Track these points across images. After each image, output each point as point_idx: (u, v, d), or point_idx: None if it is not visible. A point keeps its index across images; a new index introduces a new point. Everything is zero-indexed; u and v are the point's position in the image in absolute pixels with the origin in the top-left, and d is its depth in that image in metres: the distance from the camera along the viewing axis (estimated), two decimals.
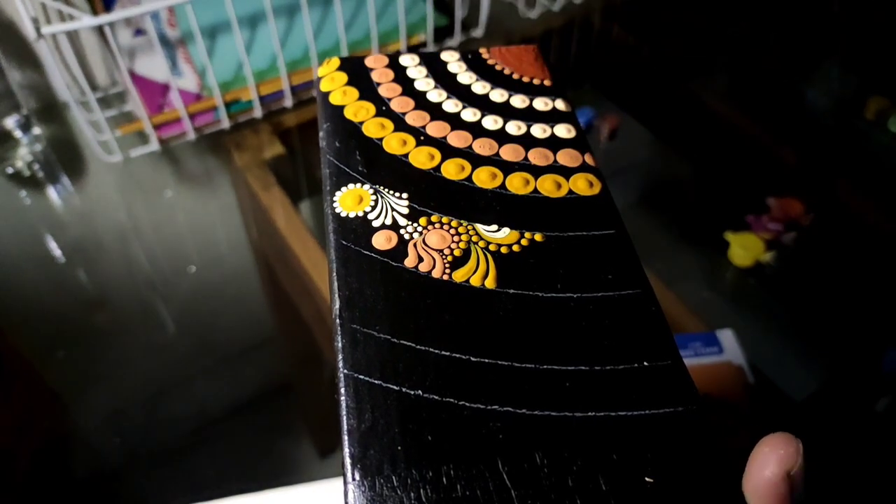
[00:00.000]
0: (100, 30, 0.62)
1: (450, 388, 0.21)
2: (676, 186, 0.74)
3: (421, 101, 0.32)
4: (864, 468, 0.43)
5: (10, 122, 0.69)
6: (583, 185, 0.28)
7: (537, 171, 0.28)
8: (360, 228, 0.26)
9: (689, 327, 0.53)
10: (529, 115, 0.31)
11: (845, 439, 0.46)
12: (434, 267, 0.25)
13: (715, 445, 0.20)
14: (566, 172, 0.29)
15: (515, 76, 0.34)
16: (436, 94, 0.32)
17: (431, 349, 0.22)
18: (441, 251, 0.25)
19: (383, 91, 0.32)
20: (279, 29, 0.67)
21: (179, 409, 0.56)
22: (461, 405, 0.21)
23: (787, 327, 0.59)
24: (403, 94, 0.32)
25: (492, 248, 0.25)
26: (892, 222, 0.64)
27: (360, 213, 0.26)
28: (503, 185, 0.28)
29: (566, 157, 0.29)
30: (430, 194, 0.27)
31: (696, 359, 0.48)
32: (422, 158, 0.29)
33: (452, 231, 0.26)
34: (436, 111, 0.31)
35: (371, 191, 0.27)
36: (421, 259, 0.25)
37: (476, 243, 0.25)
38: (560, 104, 0.32)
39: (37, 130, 0.71)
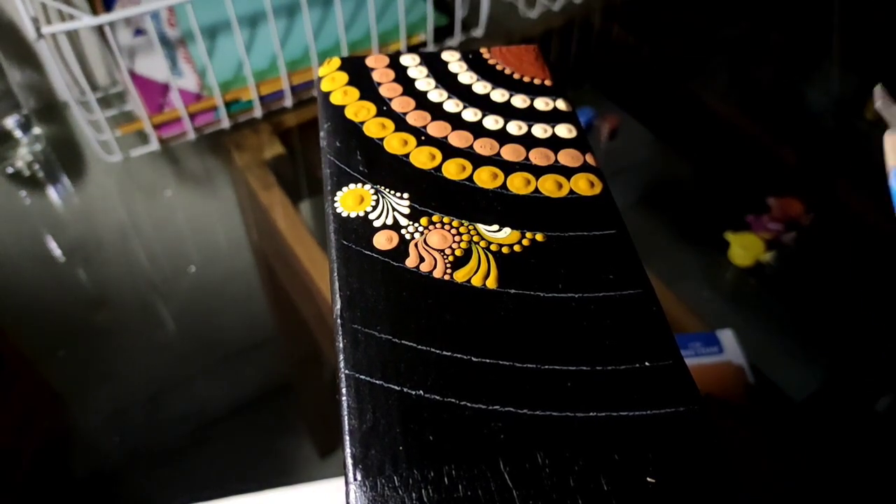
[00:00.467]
0: (100, 30, 0.62)
1: (451, 388, 0.21)
2: (676, 186, 0.74)
3: (422, 100, 0.32)
4: (864, 468, 0.43)
5: (10, 122, 0.69)
6: (584, 185, 0.28)
7: (538, 171, 0.28)
8: (361, 228, 0.26)
9: (689, 327, 0.53)
10: (530, 115, 0.31)
11: (845, 439, 0.46)
12: (435, 267, 0.25)
13: (716, 445, 0.20)
14: (567, 172, 0.29)
15: (516, 76, 0.34)
16: (437, 94, 0.32)
17: (433, 349, 0.22)
18: (442, 251, 0.25)
19: (384, 91, 0.32)
20: (279, 29, 0.67)
21: (180, 408, 0.56)
22: (462, 405, 0.21)
23: (787, 327, 0.59)
24: (404, 94, 0.32)
25: (493, 248, 0.25)
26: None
27: (361, 213, 0.26)
28: (504, 185, 0.28)
29: (567, 157, 0.29)
30: (431, 194, 0.27)
31: (697, 359, 0.48)
32: (423, 158, 0.29)
33: (453, 231, 0.26)
34: (437, 111, 0.31)
35: (372, 191, 0.27)
36: (422, 259, 0.25)
37: (477, 243, 0.25)
38: (561, 104, 0.32)
39: (37, 130, 0.71)
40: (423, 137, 0.30)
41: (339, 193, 0.27)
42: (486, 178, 0.28)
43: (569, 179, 0.28)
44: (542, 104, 0.32)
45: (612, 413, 0.21)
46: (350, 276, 0.24)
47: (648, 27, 0.89)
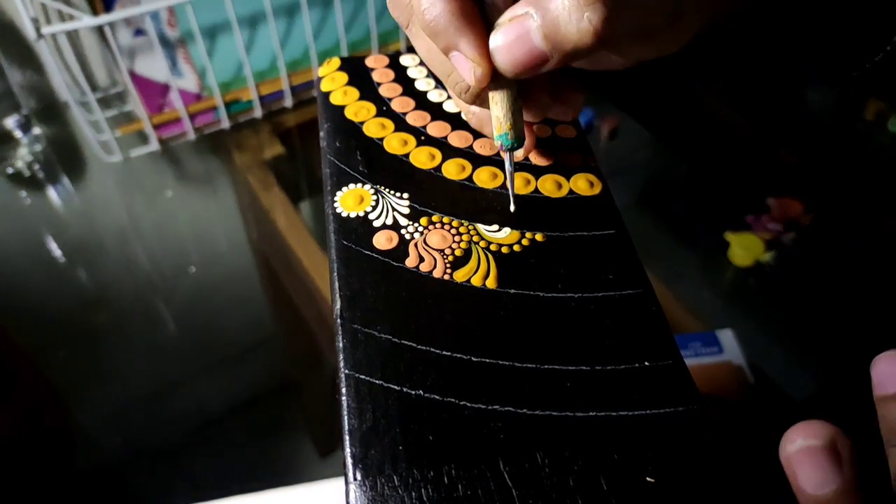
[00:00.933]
0: (100, 30, 0.62)
1: (451, 388, 0.21)
2: (676, 186, 0.74)
3: (422, 100, 0.32)
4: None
5: (10, 122, 0.69)
6: (583, 185, 0.28)
7: (538, 171, 0.28)
8: (361, 228, 0.26)
9: (689, 327, 0.53)
10: None
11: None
12: (435, 267, 0.25)
13: (716, 445, 0.20)
14: (567, 172, 0.29)
15: None
16: (436, 94, 0.32)
17: (432, 349, 0.22)
18: (442, 251, 0.25)
19: (384, 91, 0.32)
20: (279, 29, 0.67)
21: (180, 408, 0.56)
22: (462, 405, 0.21)
23: (787, 327, 0.59)
24: (404, 94, 0.32)
25: (493, 248, 0.25)
26: (892, 222, 0.64)
27: (361, 213, 0.26)
28: (504, 185, 0.28)
29: (567, 157, 0.29)
30: (431, 194, 0.27)
31: (696, 359, 0.48)
32: (422, 158, 0.29)
33: (453, 231, 0.26)
34: (436, 111, 0.31)
35: (372, 191, 0.27)
36: (422, 259, 0.25)
37: (477, 243, 0.25)
38: None
39: (37, 130, 0.71)
40: (422, 137, 0.30)
41: (339, 193, 0.27)
42: (485, 178, 0.28)
43: (568, 179, 0.28)
44: None
45: (611, 413, 0.21)
46: (350, 276, 0.24)
47: None
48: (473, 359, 0.22)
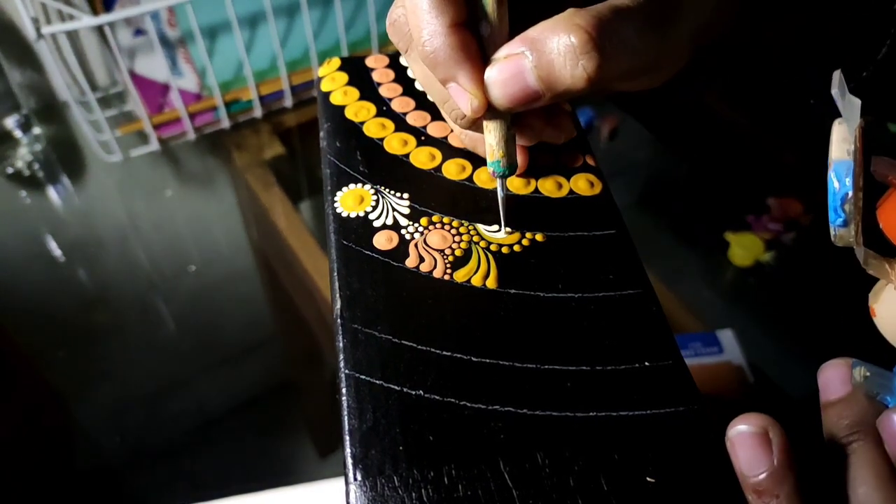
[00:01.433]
0: (100, 30, 0.62)
1: (451, 388, 0.21)
2: (676, 186, 0.74)
3: (422, 100, 0.32)
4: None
5: (10, 122, 0.69)
6: (583, 185, 0.28)
7: (538, 172, 0.28)
8: (361, 228, 0.26)
9: (689, 327, 0.53)
10: None
11: None
12: (435, 267, 0.25)
13: (716, 445, 0.20)
14: (567, 172, 0.29)
15: None
16: None
17: (432, 349, 0.22)
18: (442, 251, 0.25)
19: (384, 91, 0.32)
20: (279, 29, 0.67)
21: (180, 408, 0.56)
22: (462, 405, 0.21)
23: (787, 327, 0.59)
24: (404, 94, 0.32)
25: (493, 248, 0.25)
26: None
27: (361, 214, 0.26)
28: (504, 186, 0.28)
29: (567, 158, 0.29)
30: (431, 194, 0.27)
31: (696, 359, 0.48)
32: (423, 158, 0.29)
33: (453, 231, 0.26)
34: (437, 111, 0.31)
35: (372, 191, 0.27)
36: (422, 259, 0.25)
37: (477, 243, 0.25)
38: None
39: (37, 130, 0.71)
40: (423, 137, 0.30)
41: (339, 193, 0.27)
42: (486, 178, 0.28)
43: (569, 179, 0.28)
44: None
45: (611, 413, 0.21)
46: (350, 276, 0.24)
47: None
48: (474, 359, 0.22)
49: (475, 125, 0.26)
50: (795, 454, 0.20)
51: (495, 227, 0.26)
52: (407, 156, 0.29)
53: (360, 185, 0.28)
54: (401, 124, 0.30)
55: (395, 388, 0.21)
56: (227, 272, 0.65)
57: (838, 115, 0.22)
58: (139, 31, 0.67)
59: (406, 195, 0.27)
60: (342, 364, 0.22)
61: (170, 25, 0.67)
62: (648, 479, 0.20)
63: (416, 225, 0.26)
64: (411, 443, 0.20)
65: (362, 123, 0.30)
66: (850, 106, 0.20)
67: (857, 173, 0.20)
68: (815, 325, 0.58)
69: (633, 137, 0.76)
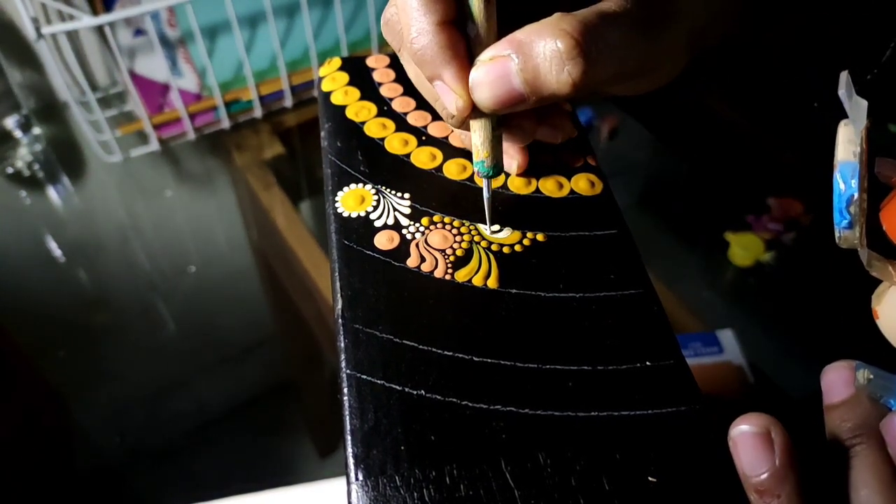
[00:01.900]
0: (100, 30, 0.62)
1: (452, 387, 0.21)
2: (676, 186, 0.74)
3: (422, 100, 0.32)
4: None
5: (10, 122, 0.69)
6: (584, 185, 0.28)
7: (539, 171, 0.28)
8: (362, 228, 0.26)
9: (690, 327, 0.53)
10: None
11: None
12: (436, 267, 0.25)
13: (717, 445, 0.20)
14: (568, 172, 0.29)
15: None
16: None
17: (434, 349, 0.22)
18: (443, 251, 0.25)
19: (385, 91, 0.32)
20: (279, 29, 0.67)
21: (180, 408, 0.56)
22: (464, 405, 0.21)
23: (787, 327, 0.59)
24: (405, 93, 0.32)
25: (494, 248, 0.25)
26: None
27: (362, 213, 0.26)
28: (505, 185, 0.28)
29: (568, 157, 0.29)
30: (432, 194, 0.27)
31: (696, 358, 0.48)
32: (423, 158, 0.29)
33: (454, 231, 0.26)
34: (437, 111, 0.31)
35: (373, 191, 0.27)
36: (423, 259, 0.25)
37: (478, 243, 0.25)
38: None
39: (37, 130, 0.71)
40: (423, 137, 0.30)
41: (339, 193, 0.27)
42: None
43: (569, 179, 0.28)
44: None
45: (613, 413, 0.21)
46: (351, 276, 0.24)
47: None
48: (475, 359, 0.22)
49: (464, 124, 0.26)
50: (797, 454, 0.20)
51: (496, 227, 0.26)
52: (408, 156, 0.29)
53: (361, 185, 0.28)
54: (401, 124, 0.30)
55: (397, 387, 0.21)
56: (226, 272, 0.65)
57: (840, 116, 0.22)
58: (139, 31, 0.67)
59: (407, 195, 0.27)
60: (343, 364, 0.22)
61: (170, 25, 0.67)
62: (650, 478, 0.20)
63: (417, 225, 0.26)
64: (413, 443, 0.20)
65: (363, 123, 0.30)
66: (856, 107, 0.20)
67: (863, 175, 0.20)
68: (815, 326, 0.58)
69: (633, 137, 0.76)
